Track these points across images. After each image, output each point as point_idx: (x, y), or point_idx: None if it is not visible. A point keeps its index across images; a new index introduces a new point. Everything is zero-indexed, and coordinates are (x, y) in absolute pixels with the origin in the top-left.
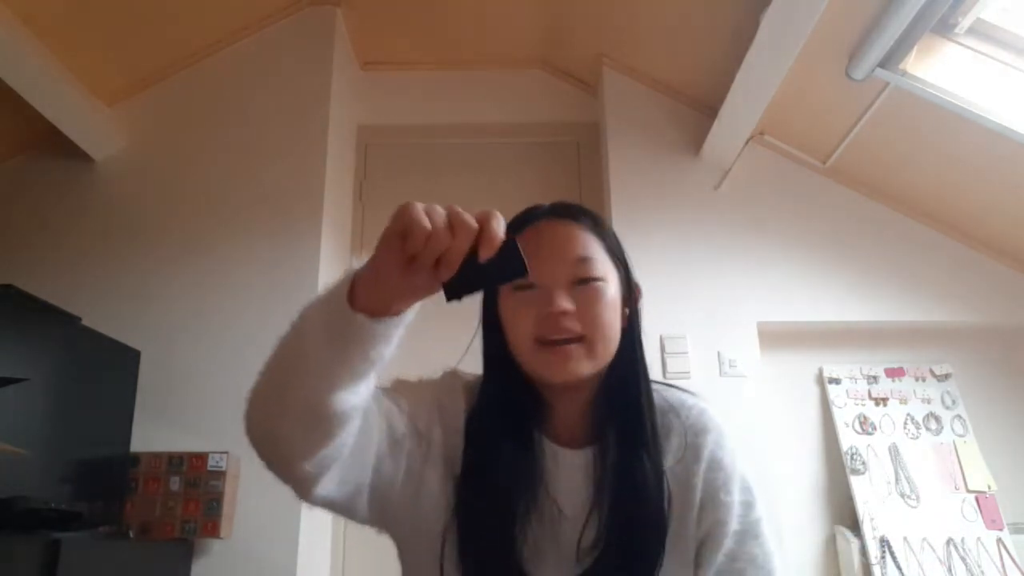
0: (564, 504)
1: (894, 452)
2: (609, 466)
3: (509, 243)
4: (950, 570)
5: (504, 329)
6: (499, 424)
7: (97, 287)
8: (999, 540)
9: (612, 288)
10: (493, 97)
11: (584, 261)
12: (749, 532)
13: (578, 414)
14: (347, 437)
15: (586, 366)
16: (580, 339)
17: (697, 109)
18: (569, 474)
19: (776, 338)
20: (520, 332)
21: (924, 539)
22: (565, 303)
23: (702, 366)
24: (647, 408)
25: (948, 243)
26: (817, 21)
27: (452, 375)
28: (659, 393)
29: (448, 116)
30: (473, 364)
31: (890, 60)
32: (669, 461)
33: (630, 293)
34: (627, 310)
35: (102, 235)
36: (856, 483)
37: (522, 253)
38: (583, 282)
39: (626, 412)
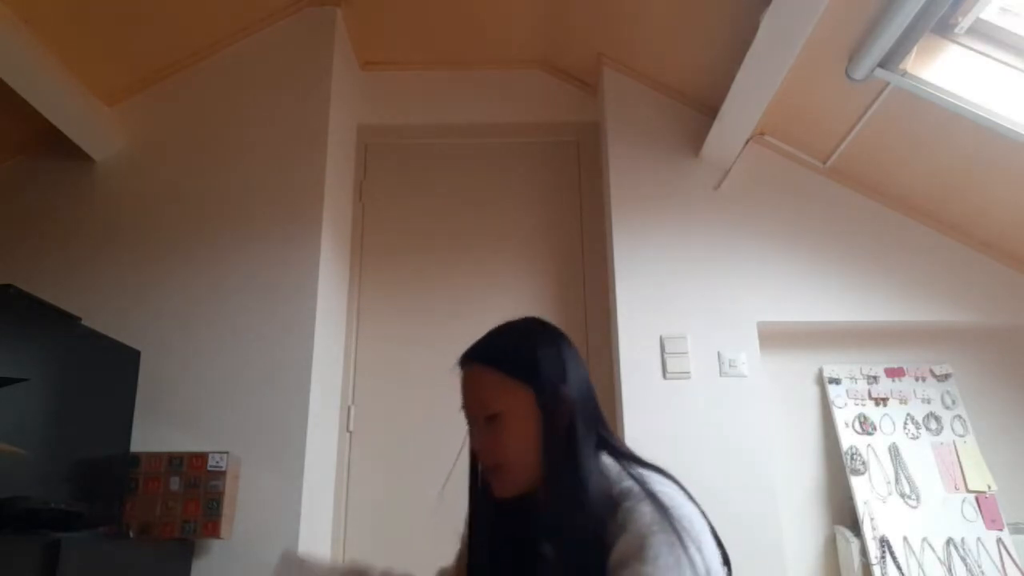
0: None
1: (894, 452)
2: (559, 562)
3: None
4: (950, 570)
5: None
6: (497, 524)
7: (97, 287)
8: (999, 540)
9: (517, 416)
10: (493, 97)
11: (483, 401)
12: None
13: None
14: None
15: (508, 488)
16: (497, 467)
17: (697, 109)
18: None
19: (776, 338)
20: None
21: (924, 539)
22: (476, 441)
23: (702, 366)
24: (571, 513)
25: (948, 243)
26: (817, 21)
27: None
28: (616, 485)
29: (448, 116)
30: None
31: (890, 60)
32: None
33: (554, 397)
34: (551, 421)
35: (102, 235)
36: (856, 483)
37: None
38: (489, 419)
39: (557, 510)
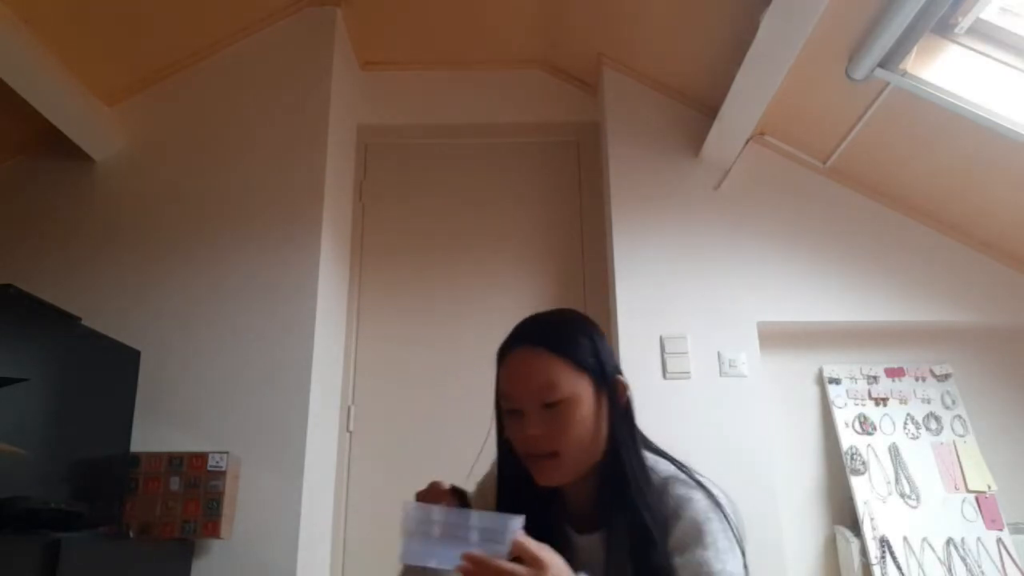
0: None
1: (894, 452)
2: (617, 550)
3: None
4: (950, 570)
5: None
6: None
7: (97, 287)
8: (999, 540)
9: (581, 403)
10: (493, 97)
11: (548, 387)
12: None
13: (587, 500)
14: None
15: (562, 476)
16: (554, 455)
17: (697, 109)
18: (584, 557)
19: (776, 338)
20: (516, 447)
21: (924, 539)
22: (533, 428)
23: (702, 366)
24: (639, 496)
25: (948, 243)
26: (817, 21)
27: (490, 474)
28: (657, 474)
29: (448, 116)
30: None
31: (890, 60)
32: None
33: (612, 391)
34: (610, 409)
35: (102, 235)
36: (856, 483)
37: None
38: (550, 405)
39: (620, 497)
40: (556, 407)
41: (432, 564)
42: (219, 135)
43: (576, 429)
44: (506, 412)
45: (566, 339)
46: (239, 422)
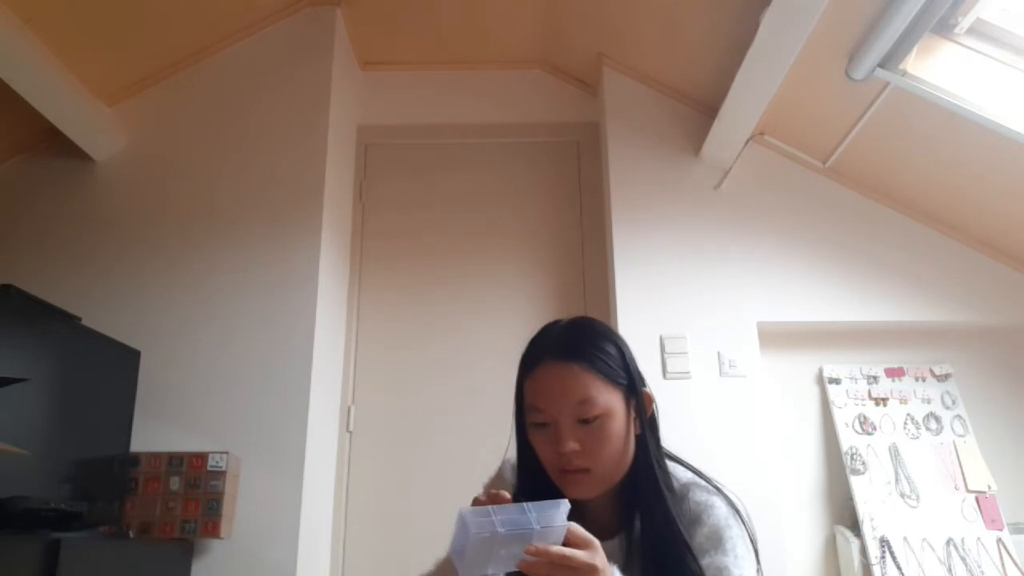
0: None
1: (894, 452)
2: (637, 555)
3: None
4: (950, 570)
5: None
6: None
7: (97, 287)
8: (999, 540)
9: (615, 417)
10: (493, 97)
11: (583, 403)
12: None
13: (606, 507)
14: None
15: (592, 490)
16: (586, 470)
17: (697, 109)
18: None
19: (776, 338)
20: (543, 460)
21: (924, 539)
22: (570, 444)
23: (702, 366)
24: (661, 503)
25: (948, 243)
26: (817, 21)
27: (504, 463)
28: (678, 480)
29: (448, 116)
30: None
31: (890, 60)
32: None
33: (640, 402)
34: (638, 420)
35: (102, 235)
36: (856, 483)
37: None
38: (585, 421)
39: (647, 505)
40: (591, 423)
41: (490, 571)
42: (219, 135)
43: (610, 445)
44: (532, 424)
45: (600, 353)
46: (239, 422)
